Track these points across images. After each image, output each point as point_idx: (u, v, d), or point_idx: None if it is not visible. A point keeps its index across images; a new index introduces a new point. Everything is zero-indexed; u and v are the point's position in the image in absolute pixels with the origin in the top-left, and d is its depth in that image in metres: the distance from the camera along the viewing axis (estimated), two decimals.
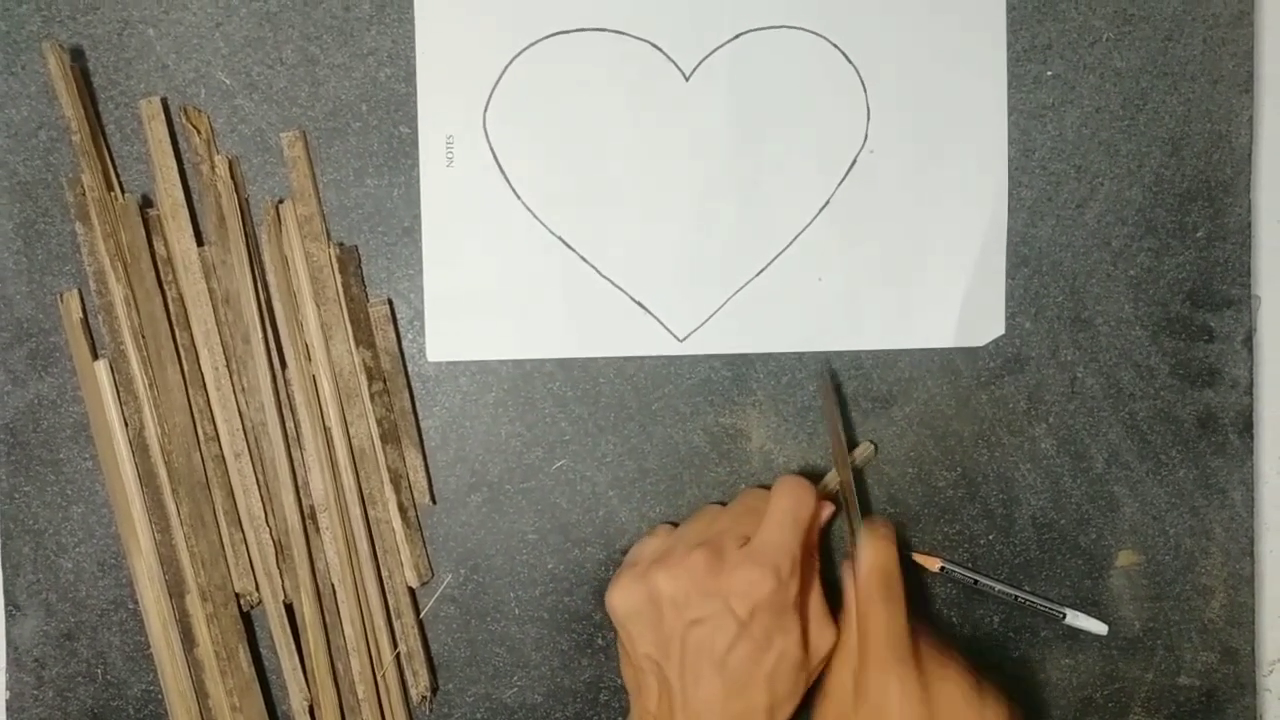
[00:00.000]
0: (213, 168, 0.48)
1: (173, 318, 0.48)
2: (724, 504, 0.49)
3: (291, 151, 0.49)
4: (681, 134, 0.50)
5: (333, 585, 0.49)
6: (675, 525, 0.49)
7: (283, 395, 0.48)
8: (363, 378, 0.49)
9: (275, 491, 0.49)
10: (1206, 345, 0.52)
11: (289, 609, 0.49)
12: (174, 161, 0.48)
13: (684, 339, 0.51)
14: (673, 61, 0.50)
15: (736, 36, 0.50)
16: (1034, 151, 0.51)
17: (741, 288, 0.51)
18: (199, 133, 0.49)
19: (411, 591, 0.50)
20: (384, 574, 0.50)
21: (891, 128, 0.50)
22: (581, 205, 0.50)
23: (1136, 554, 0.52)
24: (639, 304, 0.50)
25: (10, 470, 0.49)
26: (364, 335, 0.49)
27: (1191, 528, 0.52)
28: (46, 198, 0.49)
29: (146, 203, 0.49)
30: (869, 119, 0.50)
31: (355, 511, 0.49)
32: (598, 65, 0.49)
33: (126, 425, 0.48)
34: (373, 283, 0.50)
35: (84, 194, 0.47)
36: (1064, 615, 0.51)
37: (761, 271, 0.50)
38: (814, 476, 0.49)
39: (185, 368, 0.48)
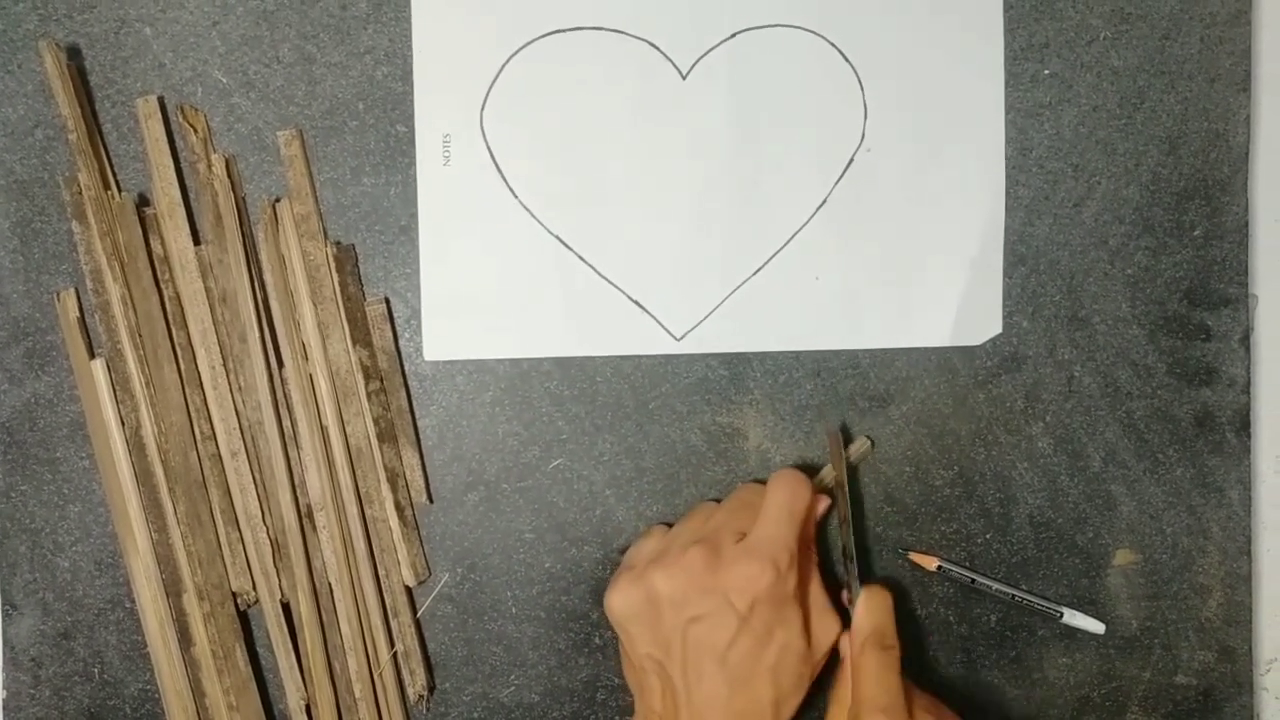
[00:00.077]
0: (209, 166, 0.48)
1: (169, 317, 0.48)
2: (719, 501, 0.49)
3: (288, 150, 0.49)
4: (679, 133, 0.50)
5: (330, 584, 0.49)
6: (670, 525, 0.49)
7: (280, 394, 0.48)
8: (360, 377, 0.49)
9: (272, 490, 0.49)
10: (1204, 344, 0.51)
11: (286, 608, 0.49)
12: (171, 160, 0.48)
13: (681, 338, 0.51)
14: (670, 60, 0.50)
15: (733, 35, 0.50)
16: (1031, 150, 0.51)
17: (739, 286, 0.50)
18: (196, 131, 0.49)
19: (408, 590, 0.50)
20: (381, 573, 0.50)
21: (889, 127, 0.50)
22: (578, 204, 0.50)
23: (1134, 553, 0.52)
24: (636, 303, 0.50)
25: (7, 469, 0.49)
26: (361, 334, 0.49)
27: (1189, 526, 0.52)
28: (43, 196, 0.49)
29: (143, 201, 0.49)
30: (866, 118, 0.50)
31: (352, 510, 0.49)
32: (595, 64, 0.49)
33: (123, 424, 0.48)
34: (370, 282, 0.50)
35: (80, 193, 0.47)
36: (1061, 614, 0.51)
37: (759, 270, 0.50)
38: (810, 473, 0.49)
39: (182, 367, 0.48)
